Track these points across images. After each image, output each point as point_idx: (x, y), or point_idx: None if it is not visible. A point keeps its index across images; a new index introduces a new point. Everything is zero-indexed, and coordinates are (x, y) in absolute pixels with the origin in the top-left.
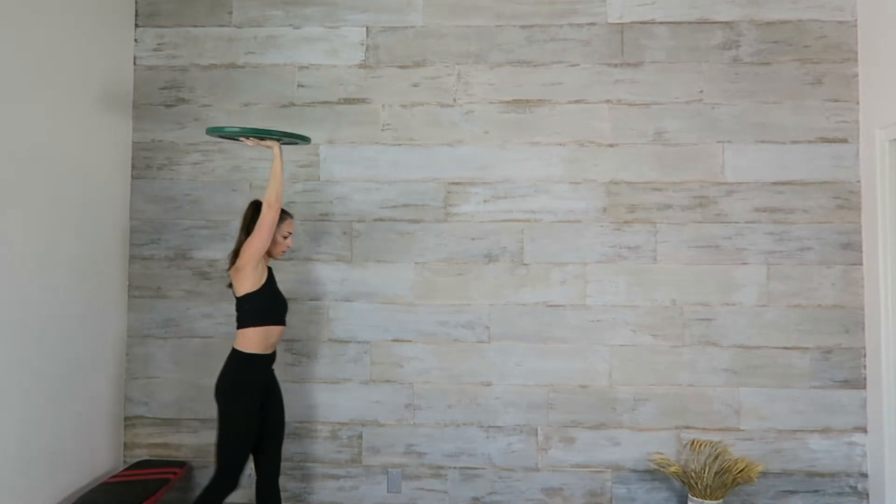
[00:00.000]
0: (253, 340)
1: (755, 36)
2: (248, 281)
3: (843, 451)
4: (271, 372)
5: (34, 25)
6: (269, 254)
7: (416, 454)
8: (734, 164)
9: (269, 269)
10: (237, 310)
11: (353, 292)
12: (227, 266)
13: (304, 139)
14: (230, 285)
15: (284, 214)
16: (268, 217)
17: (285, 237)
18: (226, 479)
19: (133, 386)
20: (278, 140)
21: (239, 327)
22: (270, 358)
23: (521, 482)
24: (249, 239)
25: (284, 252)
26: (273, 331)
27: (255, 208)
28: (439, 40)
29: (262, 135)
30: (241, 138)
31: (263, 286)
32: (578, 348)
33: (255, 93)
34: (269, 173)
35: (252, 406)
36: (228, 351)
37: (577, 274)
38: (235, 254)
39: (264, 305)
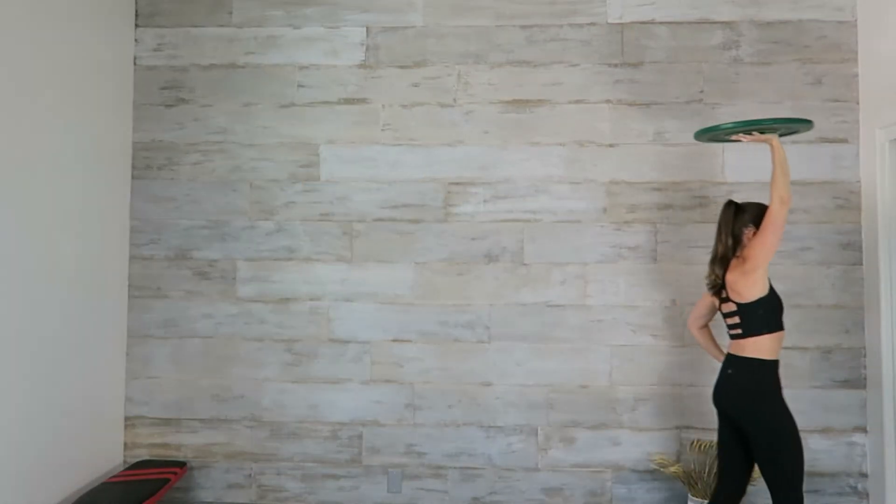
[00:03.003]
0: (769, 347)
1: (755, 36)
2: (759, 284)
3: (843, 451)
4: None
5: (34, 26)
6: None
7: (416, 454)
8: (734, 164)
9: None
10: (743, 316)
11: (353, 292)
12: (711, 273)
13: (805, 122)
14: (717, 291)
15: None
16: (782, 214)
17: None
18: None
19: (133, 386)
20: (776, 131)
21: (749, 335)
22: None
23: (522, 482)
24: (760, 240)
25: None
26: (782, 335)
27: (733, 209)
28: (439, 40)
29: (757, 126)
30: (740, 135)
31: (771, 290)
32: (578, 348)
33: (255, 93)
34: (774, 167)
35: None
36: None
37: (577, 274)
38: (723, 259)
39: (775, 309)
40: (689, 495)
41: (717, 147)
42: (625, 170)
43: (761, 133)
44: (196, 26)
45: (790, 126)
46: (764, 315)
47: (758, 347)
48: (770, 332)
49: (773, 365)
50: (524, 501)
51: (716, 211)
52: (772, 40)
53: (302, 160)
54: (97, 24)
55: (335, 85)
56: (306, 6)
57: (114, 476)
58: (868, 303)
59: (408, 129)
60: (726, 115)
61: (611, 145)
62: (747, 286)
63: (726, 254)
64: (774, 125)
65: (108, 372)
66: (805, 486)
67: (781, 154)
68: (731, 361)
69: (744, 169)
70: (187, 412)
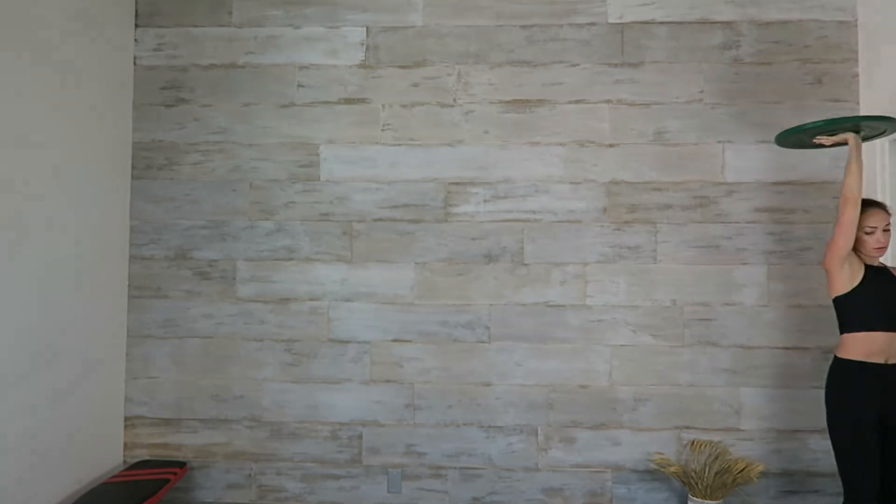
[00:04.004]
0: (850, 347)
1: (755, 36)
2: (836, 284)
3: None
4: (893, 390)
5: (34, 26)
6: (859, 252)
7: (416, 454)
8: (734, 164)
9: (868, 269)
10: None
11: (353, 292)
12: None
13: (889, 120)
14: None
15: (868, 207)
16: (843, 214)
17: (868, 233)
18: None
19: (133, 386)
20: (856, 132)
21: (840, 333)
22: (879, 369)
23: (522, 482)
24: (831, 238)
25: (879, 249)
26: (875, 337)
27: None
28: (439, 40)
29: (836, 125)
30: (822, 137)
31: (856, 289)
32: (578, 348)
33: (255, 93)
34: (845, 167)
35: (859, 418)
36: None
37: (577, 274)
38: None
39: (856, 309)
40: (689, 495)
41: (716, 147)
42: (625, 170)
43: (833, 135)
44: (196, 26)
45: (873, 126)
46: (841, 315)
47: (840, 347)
48: (849, 331)
49: (847, 365)
50: (524, 501)
51: (716, 211)
52: (772, 40)
53: (302, 160)
54: (97, 23)
55: (335, 85)
56: (306, 6)
57: (114, 476)
58: None
59: (408, 129)
60: (726, 115)
61: (611, 145)
62: (828, 285)
63: None
64: (858, 123)
65: (108, 372)
66: (805, 487)
67: (855, 153)
68: None
69: (744, 169)
70: (187, 412)
